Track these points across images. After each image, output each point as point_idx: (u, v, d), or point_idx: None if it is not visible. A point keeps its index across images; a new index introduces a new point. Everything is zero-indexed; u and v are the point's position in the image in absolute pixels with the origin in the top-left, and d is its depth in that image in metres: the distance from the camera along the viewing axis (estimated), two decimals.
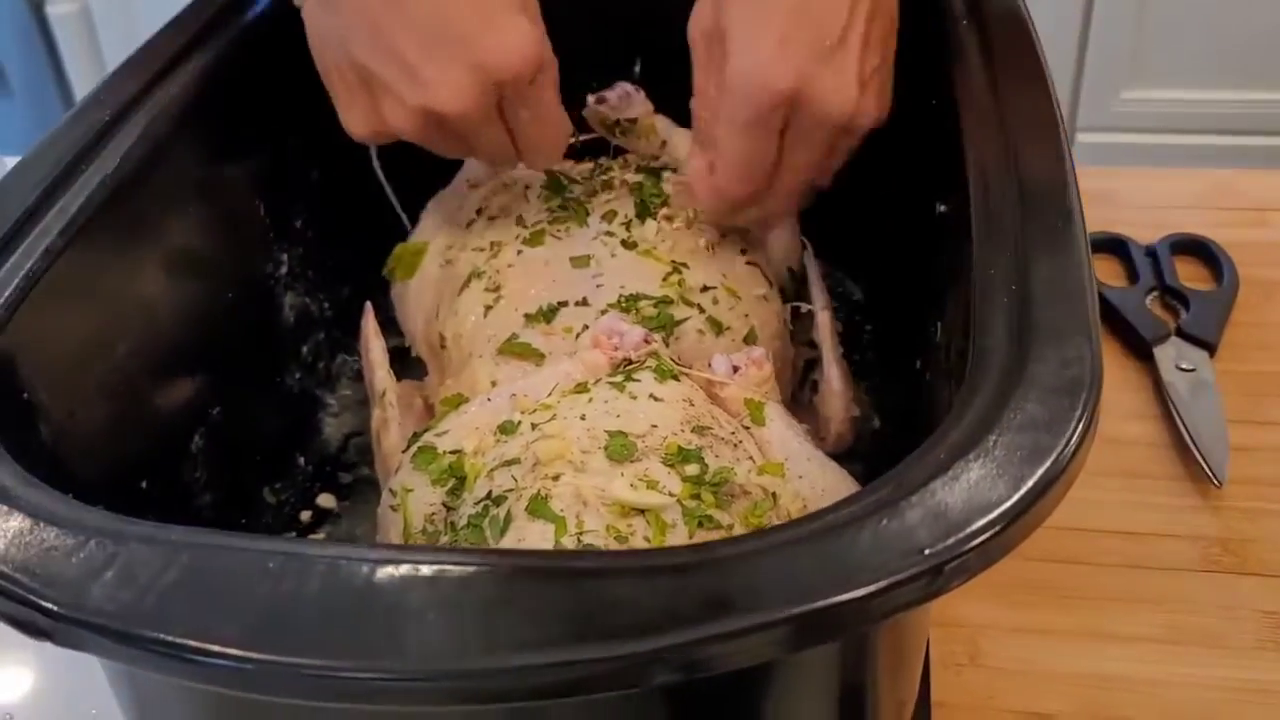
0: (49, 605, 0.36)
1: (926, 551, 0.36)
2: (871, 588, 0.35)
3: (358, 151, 0.75)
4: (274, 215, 0.71)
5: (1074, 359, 0.42)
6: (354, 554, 0.37)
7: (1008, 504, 0.37)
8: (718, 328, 0.64)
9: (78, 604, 0.36)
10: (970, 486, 0.38)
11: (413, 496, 0.56)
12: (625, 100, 0.75)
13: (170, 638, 0.35)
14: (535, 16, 0.61)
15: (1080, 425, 0.40)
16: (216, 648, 0.34)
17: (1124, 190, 0.91)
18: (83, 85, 1.93)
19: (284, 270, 0.72)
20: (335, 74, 0.64)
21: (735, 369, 0.60)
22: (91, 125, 0.58)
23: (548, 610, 0.35)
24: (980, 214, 0.50)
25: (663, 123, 0.76)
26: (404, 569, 0.36)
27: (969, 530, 0.37)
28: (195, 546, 0.37)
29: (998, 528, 0.37)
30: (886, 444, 0.70)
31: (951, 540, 0.36)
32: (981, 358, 0.43)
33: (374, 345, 0.67)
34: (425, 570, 0.36)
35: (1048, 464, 0.38)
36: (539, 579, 0.36)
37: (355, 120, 0.64)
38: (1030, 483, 0.38)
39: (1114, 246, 0.85)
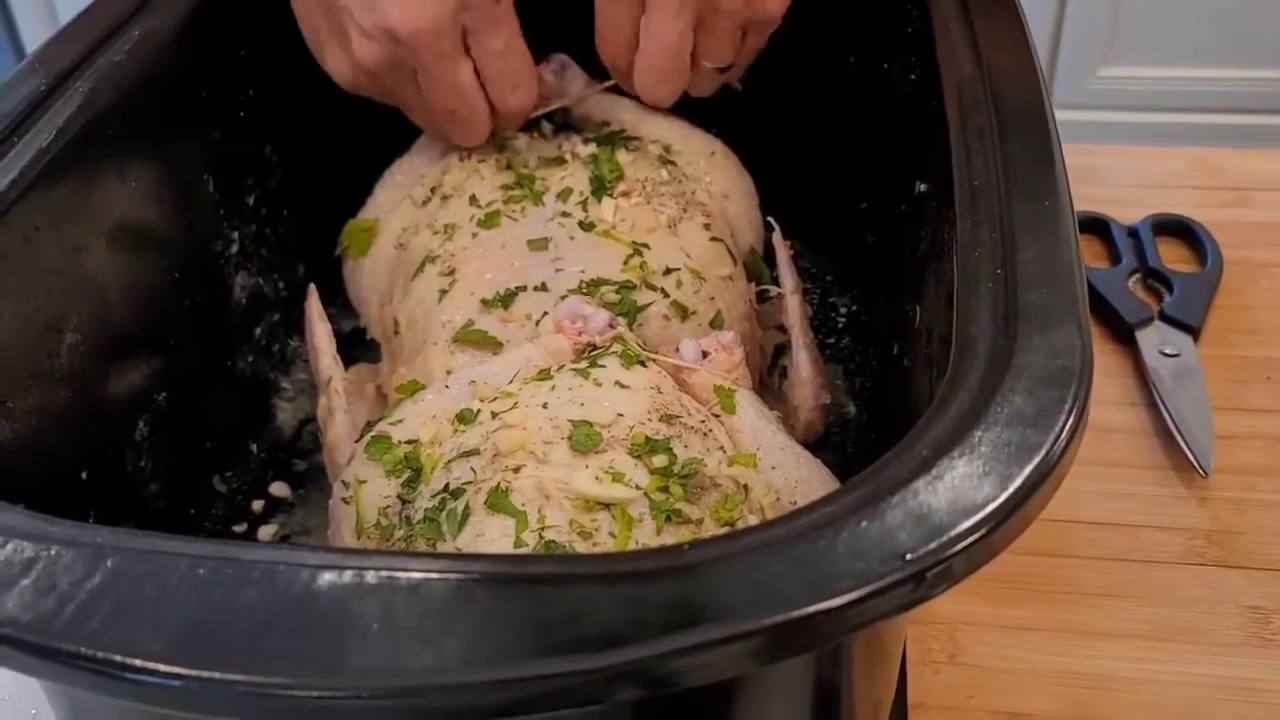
0: None
1: (908, 556, 0.34)
2: (850, 596, 0.33)
3: (313, 126, 0.73)
4: (224, 192, 0.68)
5: (1063, 348, 0.40)
6: (292, 559, 0.34)
7: (994, 504, 0.35)
8: (683, 312, 0.61)
9: None
10: (954, 486, 0.35)
11: (366, 488, 0.53)
12: (561, 73, 0.72)
13: (91, 651, 0.32)
14: None
15: (1071, 419, 0.37)
16: (141, 662, 0.32)
17: (1104, 168, 0.89)
18: (27, 19, 1.89)
19: (235, 249, 0.69)
20: (307, 16, 0.62)
21: (704, 354, 0.58)
22: (26, 95, 0.55)
23: (502, 621, 0.32)
24: (964, 194, 0.48)
25: (605, 98, 0.73)
26: (347, 576, 0.33)
27: (953, 533, 0.34)
28: (121, 550, 0.34)
29: (983, 530, 0.34)
30: (863, 432, 0.68)
31: (934, 544, 0.34)
32: (966, 345, 0.41)
33: (318, 330, 0.64)
34: (370, 577, 0.33)
35: (1036, 461, 0.36)
36: (493, 586, 0.33)
37: (332, 60, 0.62)
38: (1018, 481, 0.36)
39: (1095, 226, 0.83)
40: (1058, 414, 0.37)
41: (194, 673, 0.32)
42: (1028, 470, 0.36)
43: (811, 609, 0.32)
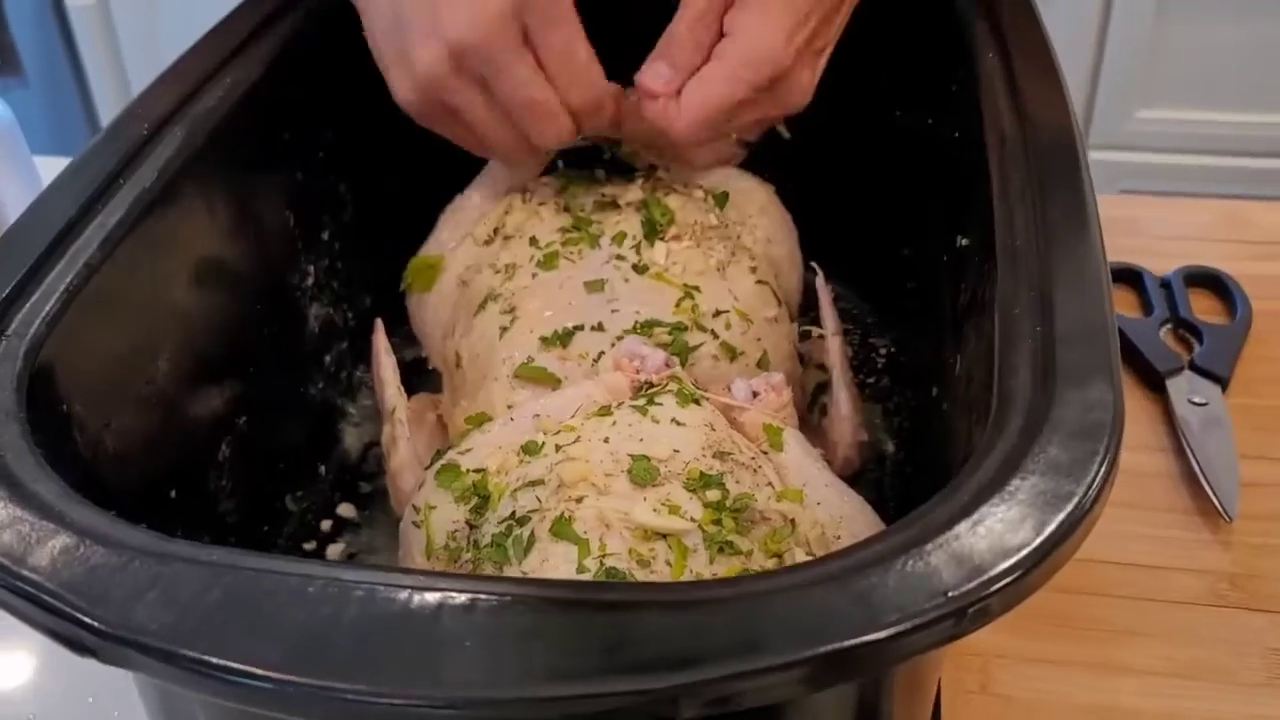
0: (95, 623, 0.36)
1: (950, 594, 0.37)
2: (896, 629, 0.36)
3: (384, 164, 0.77)
4: (303, 228, 0.72)
5: (1097, 403, 0.43)
6: (391, 580, 0.37)
7: (1030, 548, 0.38)
8: (731, 353, 0.64)
9: (123, 623, 0.36)
10: (993, 530, 0.39)
11: (436, 514, 0.57)
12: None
13: (212, 659, 0.36)
14: None
15: (1102, 470, 0.40)
16: (258, 670, 0.35)
17: (1139, 219, 0.92)
18: (99, 77, 1.94)
19: (310, 281, 0.73)
20: (381, 38, 0.64)
21: (755, 394, 0.61)
22: (128, 139, 0.59)
23: (579, 641, 0.36)
24: (1006, 252, 0.51)
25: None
26: (439, 596, 0.37)
27: (992, 573, 0.37)
28: (236, 569, 0.38)
29: (1020, 571, 0.38)
30: (899, 468, 0.71)
31: (974, 583, 0.37)
32: (1006, 399, 0.44)
33: (384, 362, 0.68)
34: (460, 598, 0.37)
35: (1070, 508, 0.39)
36: (570, 610, 0.37)
37: (397, 80, 0.64)
38: (1052, 527, 0.39)
39: (1129, 277, 0.86)
40: (1090, 465, 0.41)
41: (304, 680, 0.35)
42: (1061, 517, 0.39)
43: (861, 640, 0.35)
